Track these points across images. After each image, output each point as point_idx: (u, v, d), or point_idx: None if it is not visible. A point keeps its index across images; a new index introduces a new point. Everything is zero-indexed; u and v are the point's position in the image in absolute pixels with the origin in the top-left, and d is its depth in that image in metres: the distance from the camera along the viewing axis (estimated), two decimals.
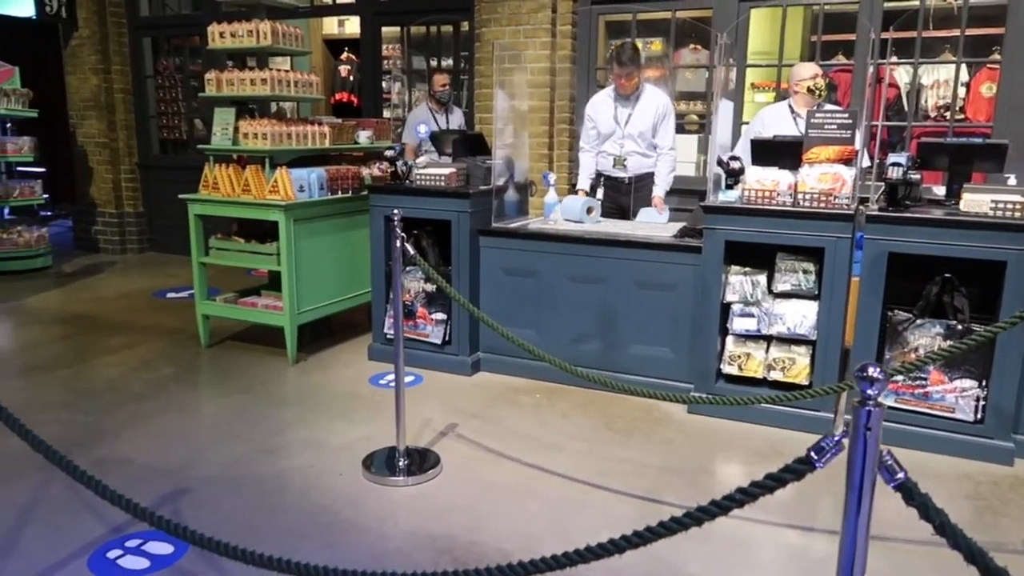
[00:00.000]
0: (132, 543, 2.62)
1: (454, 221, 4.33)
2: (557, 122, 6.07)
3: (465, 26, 6.79)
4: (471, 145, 4.86)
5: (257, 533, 2.69)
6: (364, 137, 5.19)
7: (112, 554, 2.56)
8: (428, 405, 3.96)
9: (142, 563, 2.52)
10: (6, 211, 7.30)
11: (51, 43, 8.31)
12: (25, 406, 3.78)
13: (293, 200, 4.42)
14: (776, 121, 4.59)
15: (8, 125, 8.23)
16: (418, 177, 4.49)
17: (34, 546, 2.61)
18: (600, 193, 4.92)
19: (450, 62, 7.27)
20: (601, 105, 4.87)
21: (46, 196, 7.38)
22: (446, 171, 4.41)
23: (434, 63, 7.15)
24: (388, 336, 4.62)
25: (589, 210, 4.53)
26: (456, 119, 5.87)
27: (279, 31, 4.60)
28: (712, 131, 4.22)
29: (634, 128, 4.79)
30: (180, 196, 4.84)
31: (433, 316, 4.51)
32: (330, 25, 10.15)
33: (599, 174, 4.98)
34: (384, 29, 7.19)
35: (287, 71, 4.73)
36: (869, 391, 1.28)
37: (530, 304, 4.33)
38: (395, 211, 3.13)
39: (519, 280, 4.34)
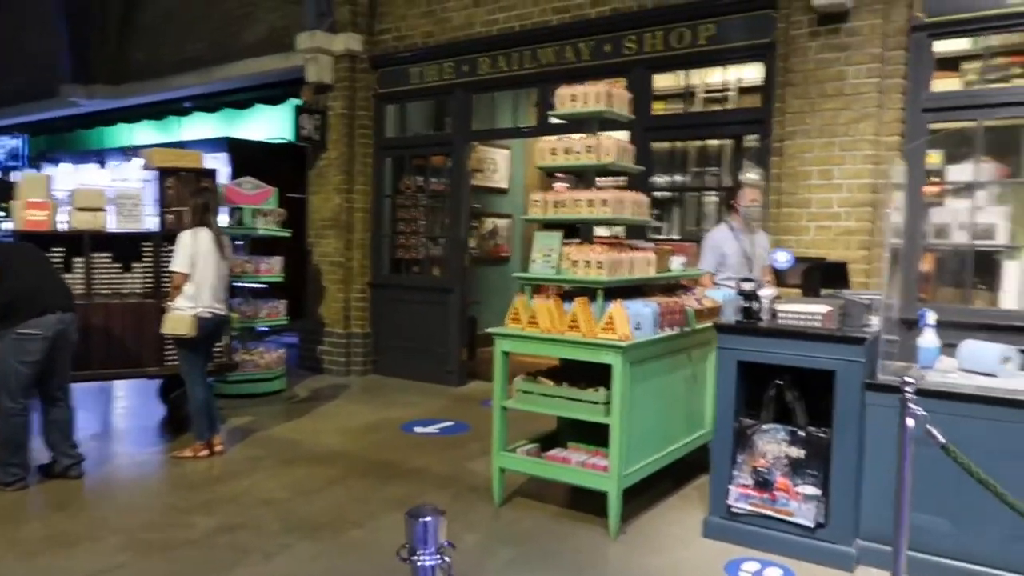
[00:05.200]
0: None
1: (840, 372, 3.45)
2: (876, 246, 5.16)
3: (749, 139, 6.15)
4: (828, 275, 4.04)
5: None
6: (678, 263, 4.49)
7: None
8: None
9: None
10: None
11: (292, 164, 8.43)
12: None
13: (631, 340, 3.71)
14: None
15: (239, 242, 8.27)
16: (782, 315, 3.68)
17: None
18: None
19: (723, 178, 6.64)
20: None
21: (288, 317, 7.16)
22: (822, 309, 3.58)
23: (725, 179, 6.53)
24: (733, 510, 3.71)
25: (1005, 360, 3.54)
26: (762, 241, 5.08)
27: (622, 147, 4.05)
28: None
29: None
30: (488, 330, 4.26)
31: (799, 489, 3.57)
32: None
33: None
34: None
35: (623, 189, 4.12)
36: None
37: (940, 483, 3.30)
38: (907, 382, 2.29)
39: (924, 451, 3.34)
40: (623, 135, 6.70)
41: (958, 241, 5.10)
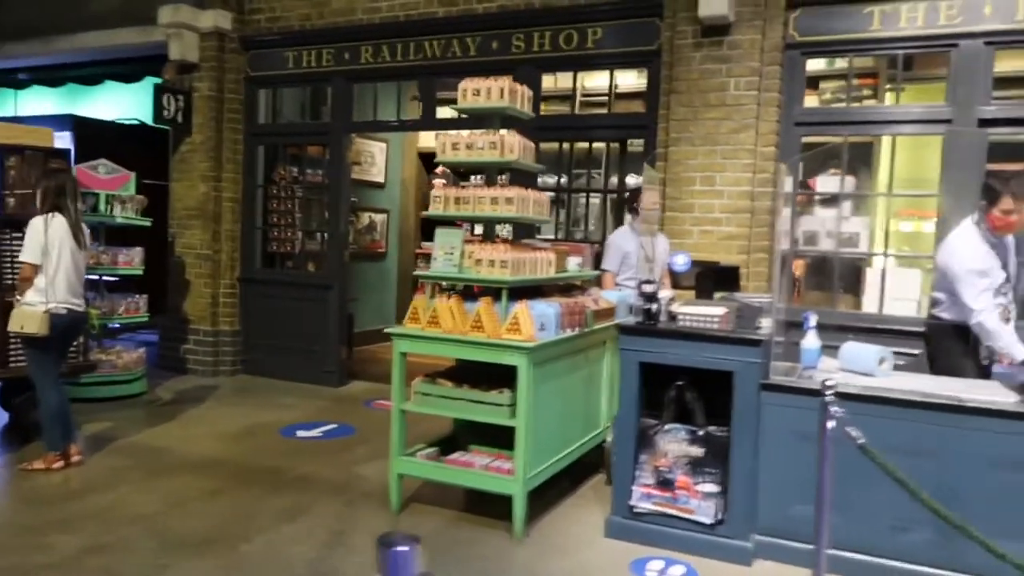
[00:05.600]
0: None
1: (739, 373, 3.58)
2: (754, 251, 5.42)
3: (633, 143, 6.31)
4: (721, 278, 4.19)
5: None
6: (574, 264, 4.51)
7: None
8: None
9: None
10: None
11: (146, 148, 7.82)
12: None
13: (536, 341, 3.68)
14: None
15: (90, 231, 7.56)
16: (681, 317, 3.77)
17: None
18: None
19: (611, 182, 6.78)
20: (986, 251, 3.94)
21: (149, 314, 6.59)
22: (719, 311, 3.70)
23: (605, 181, 6.64)
24: (636, 509, 3.76)
25: (881, 361, 3.80)
26: (662, 244, 5.17)
27: (525, 144, 3.99)
28: None
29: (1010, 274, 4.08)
30: (386, 330, 4.07)
31: (700, 488, 3.67)
32: (426, 138, 9.76)
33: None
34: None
35: (517, 188, 4.05)
36: None
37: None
38: (828, 385, 2.38)
39: (814, 447, 3.52)
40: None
41: (825, 248, 5.47)
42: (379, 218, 9.17)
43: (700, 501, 3.66)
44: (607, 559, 3.57)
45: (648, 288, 3.79)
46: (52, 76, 9.62)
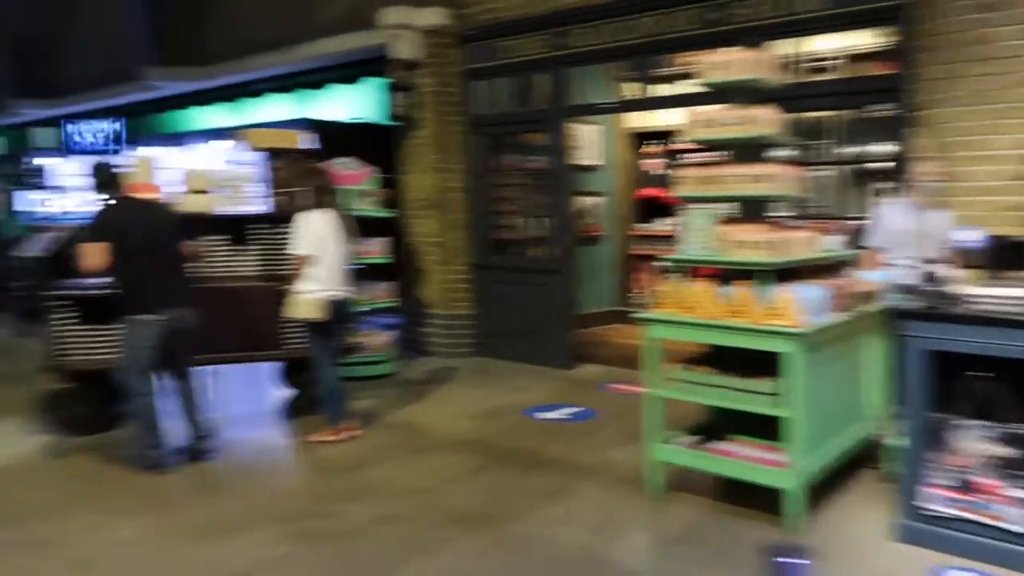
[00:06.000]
0: None
1: None
2: None
3: (880, 109, 5.80)
4: (1012, 255, 3.75)
5: None
6: (834, 243, 4.23)
7: None
8: None
9: None
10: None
11: (374, 143, 8.29)
12: None
13: (805, 326, 3.49)
14: None
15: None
16: (982, 301, 3.39)
17: None
18: None
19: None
20: None
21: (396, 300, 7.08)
22: None
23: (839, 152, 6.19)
24: (929, 513, 3.44)
25: None
26: (940, 219, 4.54)
27: (776, 117, 3.79)
28: None
29: None
30: (635, 315, 4.05)
31: (1012, 493, 3.29)
32: (633, 117, 9.57)
33: None
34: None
35: (772, 164, 3.83)
36: None
37: None
38: None
39: None
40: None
41: None
42: (595, 201, 9.16)
43: (1015, 508, 3.27)
44: (900, 566, 3.30)
45: (932, 268, 3.45)
46: (283, 84, 10.51)
